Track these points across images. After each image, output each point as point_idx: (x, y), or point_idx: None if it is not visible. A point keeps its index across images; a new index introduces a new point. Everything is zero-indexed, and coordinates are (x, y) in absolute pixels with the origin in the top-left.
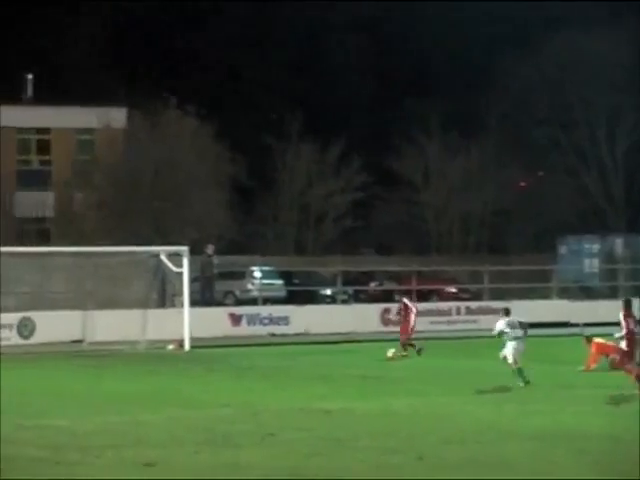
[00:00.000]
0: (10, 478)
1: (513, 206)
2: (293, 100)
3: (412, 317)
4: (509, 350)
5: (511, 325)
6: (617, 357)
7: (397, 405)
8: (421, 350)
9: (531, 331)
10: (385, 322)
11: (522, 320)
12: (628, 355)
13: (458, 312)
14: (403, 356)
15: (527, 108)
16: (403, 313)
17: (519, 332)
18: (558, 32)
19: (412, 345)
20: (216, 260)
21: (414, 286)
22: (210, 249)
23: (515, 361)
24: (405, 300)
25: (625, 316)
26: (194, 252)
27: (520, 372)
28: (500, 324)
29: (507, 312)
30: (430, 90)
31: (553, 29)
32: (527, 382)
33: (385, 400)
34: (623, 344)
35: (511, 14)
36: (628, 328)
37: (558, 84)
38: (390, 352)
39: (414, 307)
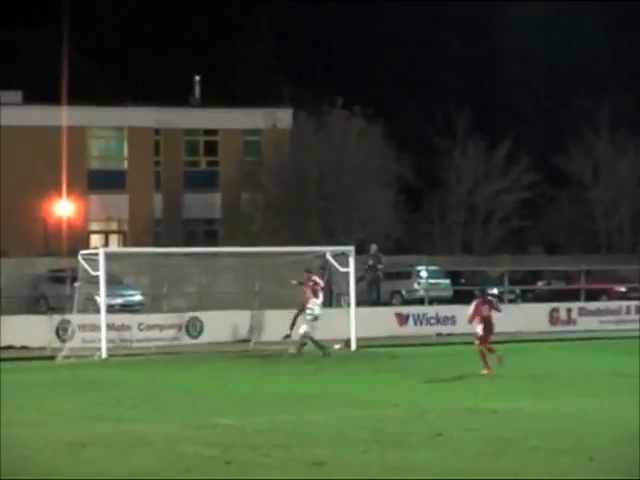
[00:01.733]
0: (183, 478)
1: None
2: (461, 99)
3: (308, 293)
4: (305, 325)
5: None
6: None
7: (566, 405)
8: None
9: None
10: (554, 321)
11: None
12: (484, 338)
13: (628, 311)
14: (286, 336)
15: None
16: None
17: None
18: None
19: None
20: (381, 259)
21: (583, 285)
22: (373, 249)
23: (305, 334)
24: (315, 277)
25: (480, 303)
26: (360, 252)
27: (319, 346)
28: (317, 307)
29: (316, 295)
30: (600, 88)
31: None
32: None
33: (554, 400)
34: (479, 328)
35: None
36: (482, 314)
37: None
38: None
39: (319, 283)
